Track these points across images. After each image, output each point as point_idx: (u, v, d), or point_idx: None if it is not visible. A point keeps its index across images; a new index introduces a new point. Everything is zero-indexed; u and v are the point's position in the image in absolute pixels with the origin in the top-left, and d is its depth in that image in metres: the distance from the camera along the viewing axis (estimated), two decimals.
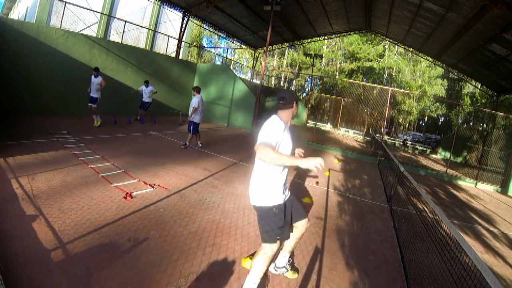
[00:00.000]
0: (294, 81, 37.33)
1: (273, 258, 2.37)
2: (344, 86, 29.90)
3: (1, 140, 4.99)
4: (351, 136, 21.99)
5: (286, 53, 36.87)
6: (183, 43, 15.58)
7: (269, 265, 2.21)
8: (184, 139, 7.49)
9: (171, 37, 15.38)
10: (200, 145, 7.44)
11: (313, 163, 1.76)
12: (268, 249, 2.08)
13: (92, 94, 7.67)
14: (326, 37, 22.33)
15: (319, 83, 37.42)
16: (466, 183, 9.83)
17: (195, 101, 6.87)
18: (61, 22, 9.69)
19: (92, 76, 7.64)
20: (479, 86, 18.37)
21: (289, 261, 2.55)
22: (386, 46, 32.18)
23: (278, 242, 2.10)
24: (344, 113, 21.43)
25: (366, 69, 33.20)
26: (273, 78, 37.50)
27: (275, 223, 2.07)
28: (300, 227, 2.37)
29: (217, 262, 2.57)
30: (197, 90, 7.05)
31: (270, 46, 21.74)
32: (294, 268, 2.64)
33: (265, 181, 2.10)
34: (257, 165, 2.14)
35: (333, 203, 4.87)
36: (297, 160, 1.84)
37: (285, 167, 2.17)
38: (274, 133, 2.07)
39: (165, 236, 2.84)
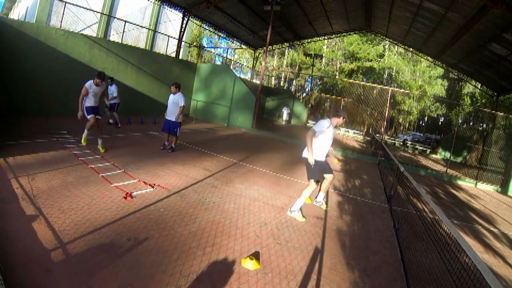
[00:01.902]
0: (294, 81, 37.36)
1: (313, 194, 4.49)
2: (344, 86, 29.94)
3: (1, 140, 4.99)
4: (351, 136, 21.99)
5: (286, 53, 36.87)
6: (183, 43, 15.58)
7: (309, 194, 3.96)
8: (186, 140, 7.46)
9: (171, 37, 15.38)
10: (171, 146, 6.43)
11: (310, 160, 3.76)
12: (312, 184, 3.91)
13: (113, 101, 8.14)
14: (326, 37, 22.35)
15: (319, 83, 37.41)
16: (466, 183, 9.82)
17: (181, 99, 6.09)
18: (61, 22, 9.69)
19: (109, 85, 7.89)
20: (479, 86, 18.37)
21: (323, 198, 4.58)
22: (386, 46, 32.17)
23: (313, 181, 3.90)
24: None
25: (366, 69, 33.19)
26: (273, 78, 37.51)
27: (312, 171, 3.90)
28: (328, 178, 4.27)
29: (217, 262, 2.57)
30: (178, 86, 6.16)
31: (270, 46, 21.76)
32: (326, 204, 4.62)
33: (315, 148, 3.88)
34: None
35: (333, 203, 4.87)
36: (310, 153, 3.75)
37: (325, 145, 4.01)
38: (320, 126, 3.86)
39: (165, 236, 2.84)
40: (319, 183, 4.36)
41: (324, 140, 3.96)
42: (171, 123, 6.22)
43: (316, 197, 4.61)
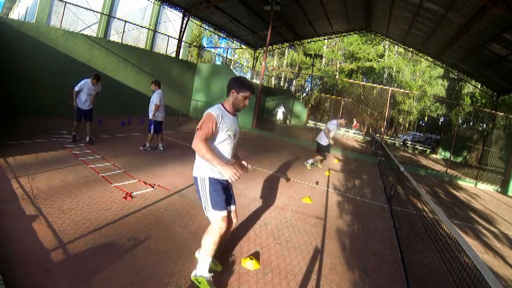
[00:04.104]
0: (294, 81, 37.36)
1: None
2: (344, 86, 29.93)
3: (1, 140, 4.99)
4: (351, 136, 22.00)
5: (286, 53, 36.87)
6: (183, 43, 15.58)
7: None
8: (185, 140, 7.46)
9: (171, 37, 15.38)
10: (161, 147, 6.42)
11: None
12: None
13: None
14: (326, 37, 22.35)
15: (319, 83, 37.41)
16: (466, 183, 9.82)
17: (155, 97, 6.00)
18: (61, 22, 9.70)
19: None
20: (479, 86, 18.37)
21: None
22: (386, 46, 32.17)
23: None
24: (344, 113, 21.43)
25: (366, 69, 33.20)
26: (273, 78, 37.51)
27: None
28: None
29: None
30: (158, 84, 6.10)
31: (270, 46, 21.74)
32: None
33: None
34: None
35: (333, 203, 4.87)
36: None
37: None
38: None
39: (165, 236, 2.84)
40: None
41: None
42: (149, 122, 6.15)
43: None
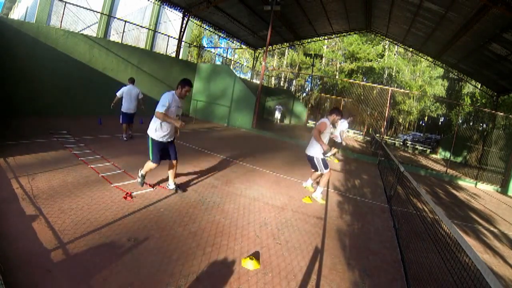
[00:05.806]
0: (294, 81, 37.36)
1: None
2: (344, 86, 29.94)
3: (1, 140, 4.99)
4: (351, 136, 22.00)
5: (286, 53, 36.86)
6: (183, 43, 15.58)
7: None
8: (189, 140, 7.46)
9: (171, 37, 15.38)
10: (125, 137, 6.90)
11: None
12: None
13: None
14: (326, 37, 22.33)
15: (319, 83, 37.41)
16: (466, 183, 9.82)
17: (119, 90, 6.92)
18: (61, 22, 9.70)
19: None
20: (479, 86, 18.37)
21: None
22: (386, 46, 32.16)
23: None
24: (344, 113, 21.41)
25: (366, 69, 33.19)
26: (273, 78, 37.51)
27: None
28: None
29: (217, 262, 2.57)
30: (131, 80, 7.03)
31: (270, 46, 21.74)
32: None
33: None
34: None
35: (333, 203, 4.87)
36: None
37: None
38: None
39: (165, 236, 2.84)
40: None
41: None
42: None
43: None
